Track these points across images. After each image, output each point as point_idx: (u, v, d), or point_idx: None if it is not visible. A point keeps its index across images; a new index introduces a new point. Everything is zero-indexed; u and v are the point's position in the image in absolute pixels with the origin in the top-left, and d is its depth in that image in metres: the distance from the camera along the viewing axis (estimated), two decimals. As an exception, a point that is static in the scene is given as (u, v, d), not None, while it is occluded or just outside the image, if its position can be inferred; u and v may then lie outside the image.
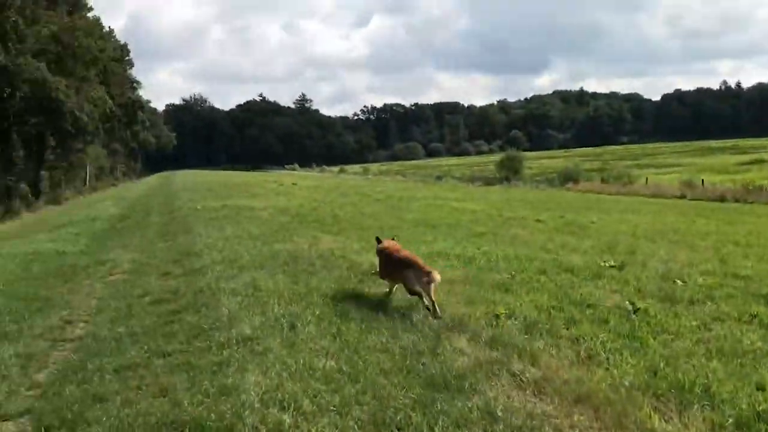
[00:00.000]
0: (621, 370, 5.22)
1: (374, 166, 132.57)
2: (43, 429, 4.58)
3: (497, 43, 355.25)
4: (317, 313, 6.98)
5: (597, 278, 8.88)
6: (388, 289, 7.73)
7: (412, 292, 7.06)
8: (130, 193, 46.41)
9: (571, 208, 26.36)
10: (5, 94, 39.55)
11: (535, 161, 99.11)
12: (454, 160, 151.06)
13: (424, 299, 6.96)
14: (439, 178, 78.00)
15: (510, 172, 68.24)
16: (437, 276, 6.96)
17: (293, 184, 49.01)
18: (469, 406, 4.49)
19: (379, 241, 8.35)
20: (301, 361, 5.42)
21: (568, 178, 59.57)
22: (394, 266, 7.47)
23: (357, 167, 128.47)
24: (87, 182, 76.85)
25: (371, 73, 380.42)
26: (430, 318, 6.67)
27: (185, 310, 7.76)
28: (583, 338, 6.01)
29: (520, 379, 4.96)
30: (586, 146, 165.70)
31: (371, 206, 23.77)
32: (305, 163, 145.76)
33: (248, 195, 31.88)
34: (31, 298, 9.05)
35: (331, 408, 4.53)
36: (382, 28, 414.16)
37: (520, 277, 8.81)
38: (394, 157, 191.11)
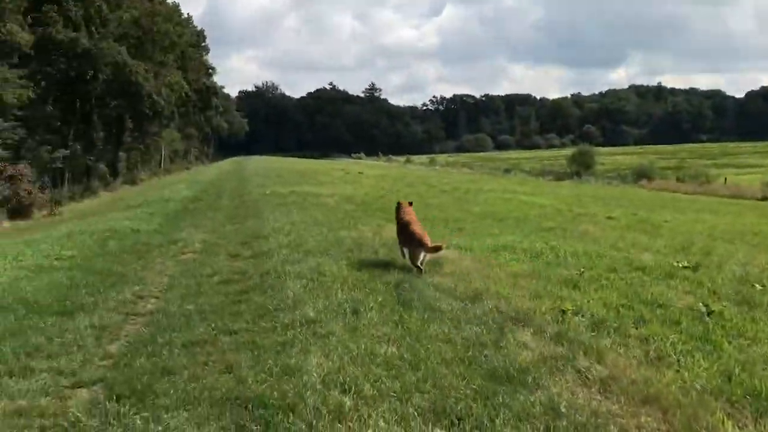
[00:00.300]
0: (692, 372, 5.00)
1: (441, 157, 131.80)
2: (114, 397, 4.74)
3: (572, 35, 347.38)
4: (380, 300, 7.00)
5: (669, 278, 8.55)
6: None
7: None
8: (202, 177, 47.72)
9: (645, 206, 25.58)
10: (88, 77, 41.31)
11: (609, 157, 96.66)
12: (524, 154, 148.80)
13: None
14: (507, 171, 77.09)
15: (581, 167, 66.82)
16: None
17: (359, 173, 49.33)
18: (532, 400, 4.40)
19: (399, 206, 9.84)
20: (363, 347, 5.45)
21: (641, 175, 57.84)
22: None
23: (423, 158, 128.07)
24: (161, 164, 79.47)
25: (441, 64, 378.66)
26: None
27: (252, 290, 7.92)
28: (653, 338, 5.78)
29: (586, 376, 4.82)
30: (662, 143, 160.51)
31: (437, 197, 23.68)
32: (372, 151, 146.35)
33: (316, 182, 32.28)
34: (106, 273, 9.41)
35: (392, 394, 4.53)
36: (454, 18, 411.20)
37: (589, 273, 8.57)
38: (462, 149, 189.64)
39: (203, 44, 72.81)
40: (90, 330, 6.51)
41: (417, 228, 8.86)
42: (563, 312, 6.45)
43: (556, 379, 4.79)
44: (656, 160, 77.30)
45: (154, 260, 10.80)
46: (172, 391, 4.76)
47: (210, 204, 21.93)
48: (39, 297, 7.85)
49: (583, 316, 6.44)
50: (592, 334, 5.86)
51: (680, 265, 9.47)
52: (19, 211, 33.85)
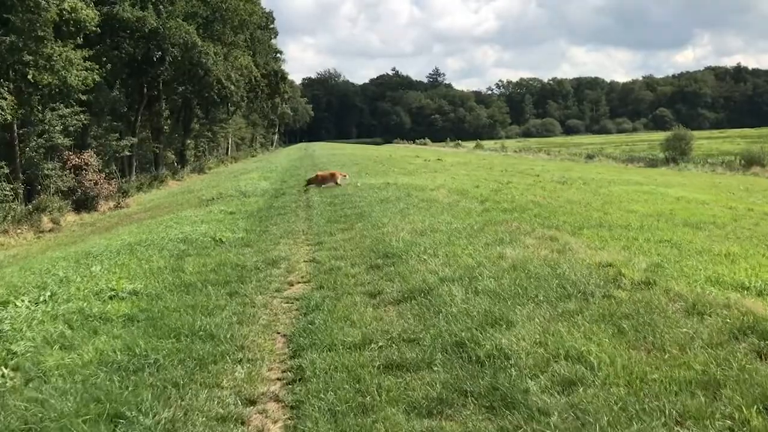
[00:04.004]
0: None
1: (510, 142, 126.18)
2: None
3: (634, 16, 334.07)
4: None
5: None
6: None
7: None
8: (273, 165, 44.42)
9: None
10: (155, 59, 38.40)
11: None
12: (595, 138, 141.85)
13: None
14: (590, 157, 71.56)
15: (677, 152, 61.01)
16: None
17: (438, 159, 45.61)
18: None
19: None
20: None
21: (750, 161, 51.83)
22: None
23: (491, 143, 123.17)
24: (228, 152, 77.34)
25: (500, 48, 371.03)
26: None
27: (458, 398, 4.12)
28: None
29: None
30: (741, 127, 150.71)
31: (565, 191, 19.48)
32: (435, 137, 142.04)
33: (403, 171, 28.58)
34: (186, 335, 5.77)
35: None
36: (512, 2, 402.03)
37: None
38: (528, 134, 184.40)
39: (272, 26, 69.53)
40: None
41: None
42: None
43: None
44: (750, 144, 70.46)
45: (254, 300, 7.14)
46: None
47: (296, 200, 18.38)
48: (68, 400, 4.23)
49: None
50: None
51: None
52: (84, 203, 31.41)
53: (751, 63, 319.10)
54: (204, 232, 11.92)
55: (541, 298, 6.16)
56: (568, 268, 7.44)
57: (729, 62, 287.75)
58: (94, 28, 30.68)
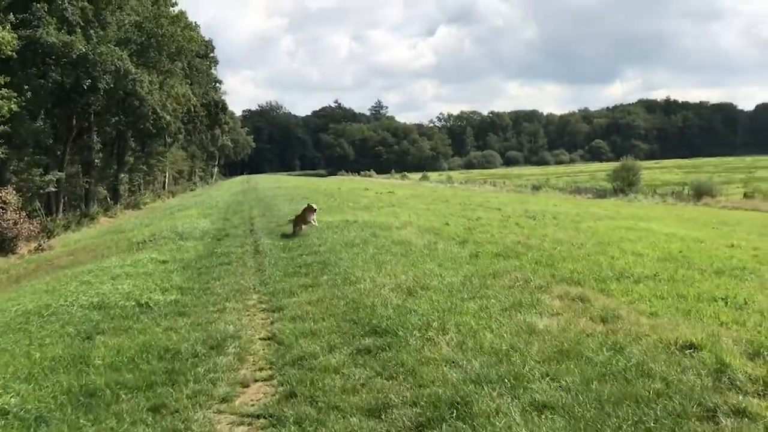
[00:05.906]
0: None
1: (454, 174, 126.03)
2: None
3: (562, 52, 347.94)
4: None
5: None
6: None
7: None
8: (214, 200, 41.44)
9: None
10: (85, 86, 35.20)
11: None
12: (536, 170, 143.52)
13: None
14: (536, 188, 71.06)
15: (624, 183, 60.96)
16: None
17: (390, 192, 43.63)
18: None
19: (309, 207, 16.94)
20: None
21: (699, 192, 51.76)
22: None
23: (436, 175, 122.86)
24: (165, 186, 73.68)
25: (438, 83, 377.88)
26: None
27: None
28: None
29: None
30: (673, 158, 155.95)
31: (542, 228, 17.49)
32: (380, 169, 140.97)
33: (358, 206, 26.24)
34: None
35: None
36: (448, 38, 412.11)
37: None
38: (470, 165, 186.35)
39: (211, 55, 66.75)
40: None
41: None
42: None
43: None
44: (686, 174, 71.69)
45: (190, 420, 4.67)
46: None
47: (243, 244, 15.80)
48: None
49: None
50: None
51: None
52: (1, 246, 27.97)
53: (678, 96, 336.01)
54: (127, 293, 9.31)
55: (650, 423, 3.94)
56: (640, 353, 5.28)
57: (657, 95, 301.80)
58: (10, 53, 27.60)
